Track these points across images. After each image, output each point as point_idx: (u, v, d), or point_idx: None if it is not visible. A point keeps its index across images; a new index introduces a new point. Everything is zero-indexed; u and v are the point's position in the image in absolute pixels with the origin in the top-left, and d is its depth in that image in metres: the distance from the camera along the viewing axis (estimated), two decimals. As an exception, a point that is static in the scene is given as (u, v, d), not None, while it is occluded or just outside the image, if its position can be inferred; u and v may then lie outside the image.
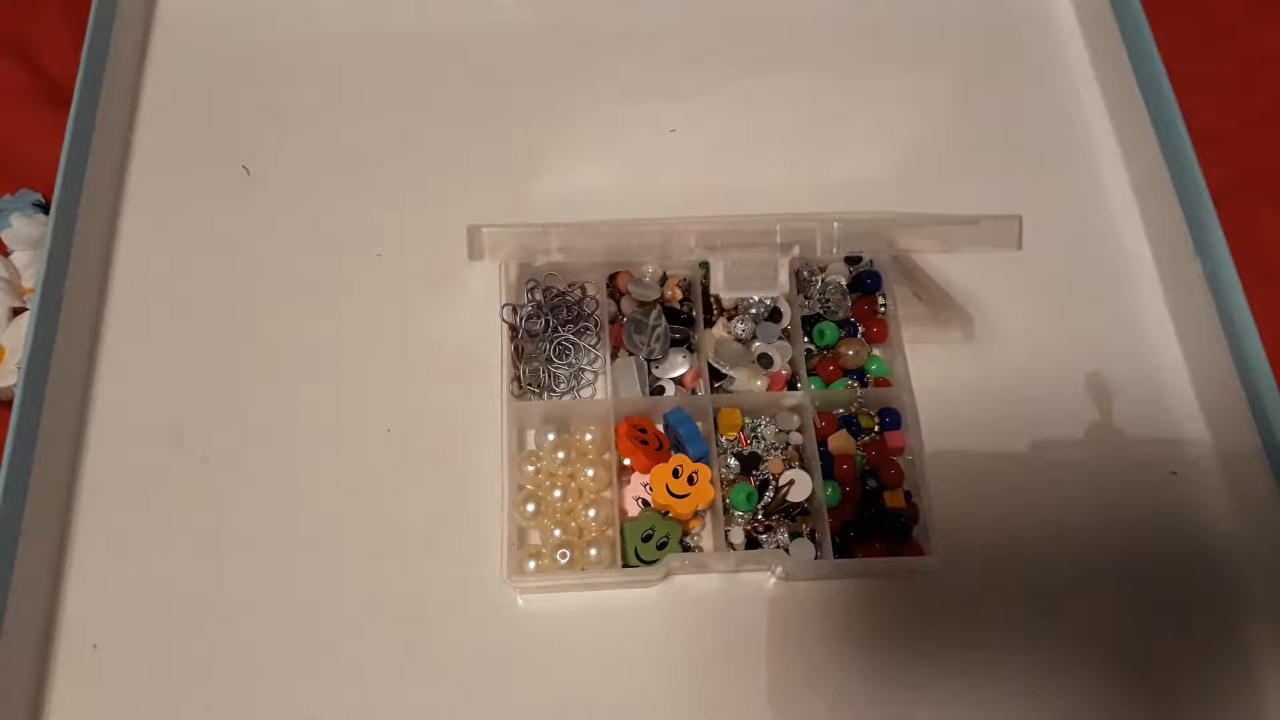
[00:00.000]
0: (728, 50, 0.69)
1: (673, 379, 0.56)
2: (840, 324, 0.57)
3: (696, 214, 0.56)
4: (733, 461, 0.54)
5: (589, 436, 0.54)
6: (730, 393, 0.56)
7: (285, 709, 0.50)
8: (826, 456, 0.54)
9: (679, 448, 0.53)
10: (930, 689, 0.51)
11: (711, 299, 0.58)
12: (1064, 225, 0.63)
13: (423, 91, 0.67)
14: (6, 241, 0.63)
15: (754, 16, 0.71)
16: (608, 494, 0.53)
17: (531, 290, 0.58)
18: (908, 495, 0.54)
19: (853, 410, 0.56)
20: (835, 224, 0.54)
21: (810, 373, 0.57)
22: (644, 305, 0.57)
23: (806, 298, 0.58)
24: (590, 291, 0.58)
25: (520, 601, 0.53)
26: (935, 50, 0.70)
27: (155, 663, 0.51)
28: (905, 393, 0.55)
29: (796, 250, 0.55)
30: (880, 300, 0.58)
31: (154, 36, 0.68)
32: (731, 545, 0.52)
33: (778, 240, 0.55)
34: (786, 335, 0.57)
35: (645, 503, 0.53)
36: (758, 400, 0.55)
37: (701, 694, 0.51)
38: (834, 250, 0.55)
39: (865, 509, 0.53)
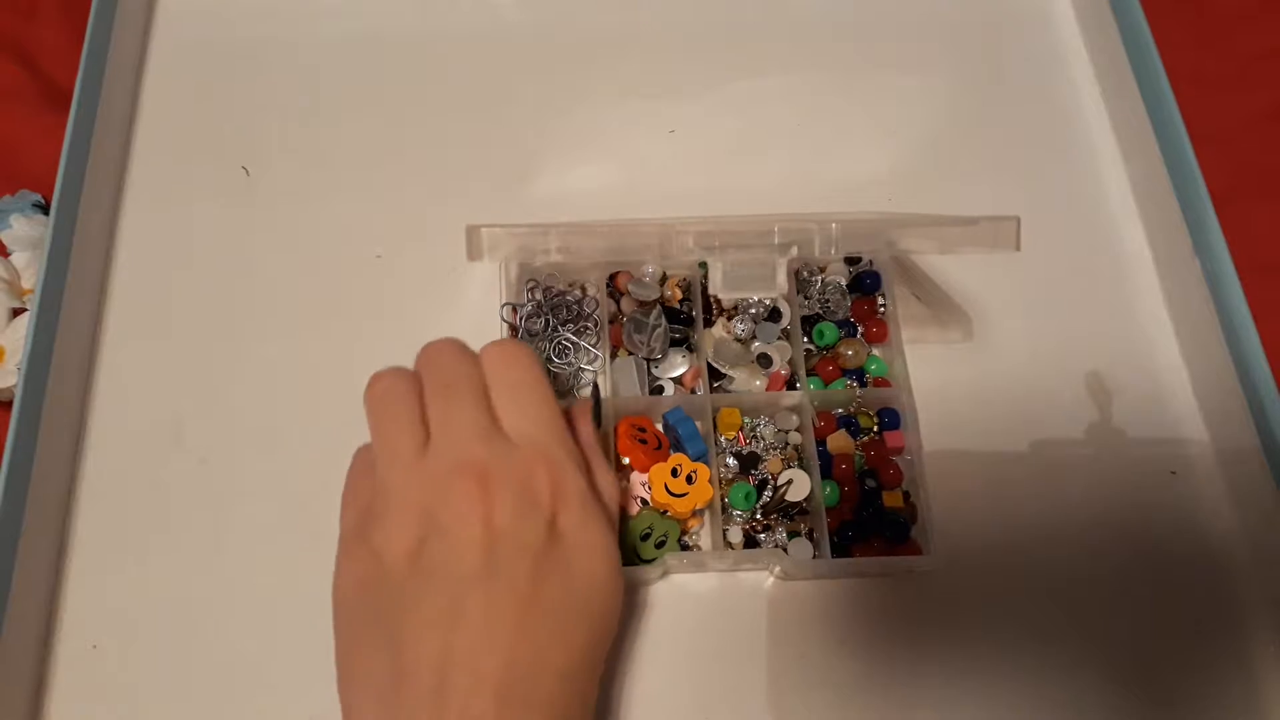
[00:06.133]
0: (727, 50, 0.69)
1: (672, 378, 0.56)
2: (840, 324, 0.57)
3: (696, 214, 0.56)
4: (731, 461, 0.54)
5: (588, 436, 0.54)
6: (729, 392, 0.56)
7: (285, 709, 0.50)
8: (825, 456, 0.54)
9: (678, 447, 0.53)
10: (929, 688, 0.51)
11: (711, 299, 0.58)
12: (1064, 225, 0.63)
13: (422, 91, 0.67)
14: (6, 242, 0.63)
15: (753, 16, 0.71)
16: (607, 493, 0.53)
17: (531, 290, 0.58)
18: (906, 495, 0.54)
19: (852, 410, 0.56)
20: (834, 225, 0.54)
21: (809, 373, 0.57)
22: (644, 305, 0.57)
23: (806, 298, 0.58)
24: (590, 291, 0.58)
25: (519, 601, 0.53)
26: (934, 50, 0.70)
27: (155, 663, 0.51)
28: (904, 393, 0.55)
29: (795, 251, 0.55)
30: (880, 301, 0.58)
31: (154, 36, 0.68)
32: (730, 544, 0.52)
33: (775, 241, 0.55)
34: (786, 335, 0.57)
35: (644, 501, 0.53)
36: (757, 400, 0.55)
37: (699, 692, 0.51)
38: (832, 251, 0.55)
39: (863, 509, 0.53)
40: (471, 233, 0.54)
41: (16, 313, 0.60)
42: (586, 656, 0.41)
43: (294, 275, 0.61)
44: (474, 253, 0.54)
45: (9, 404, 0.53)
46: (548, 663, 0.39)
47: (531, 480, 0.42)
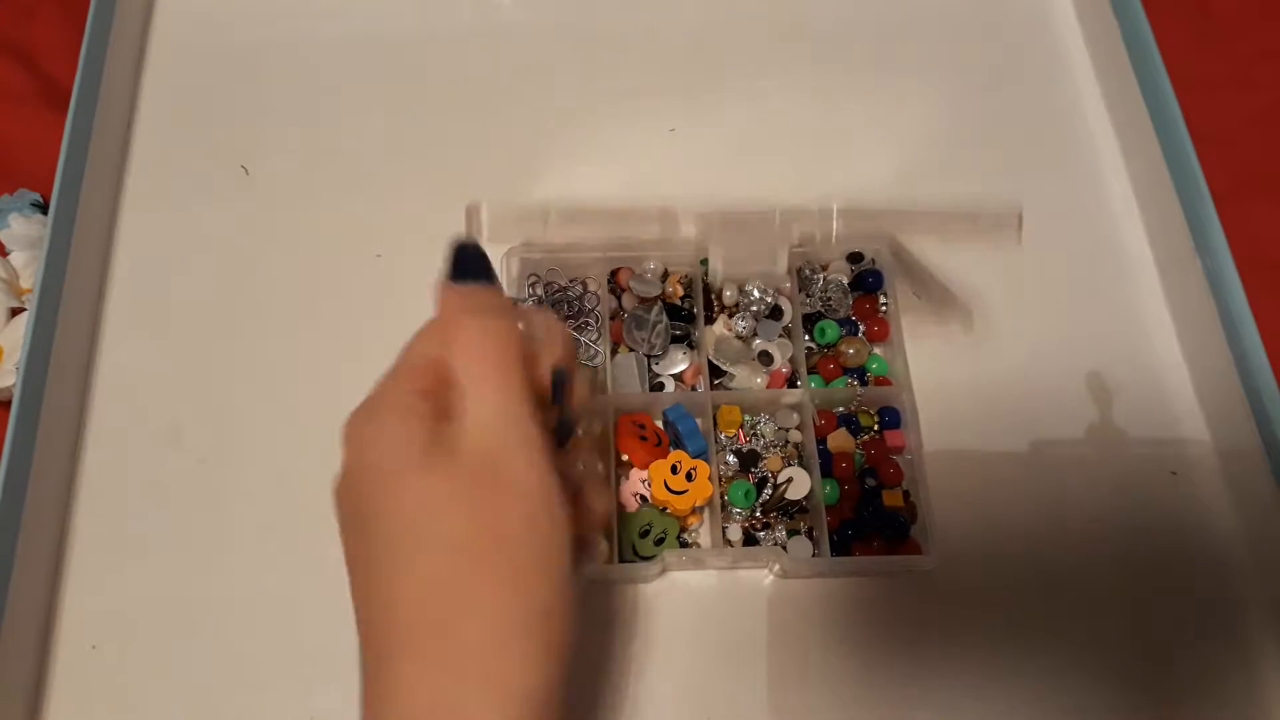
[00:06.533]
0: (727, 50, 0.69)
1: (673, 375, 0.56)
2: (841, 322, 0.57)
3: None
4: (731, 458, 0.54)
5: (588, 433, 0.54)
6: (730, 390, 0.56)
7: (285, 709, 0.50)
8: (825, 454, 0.54)
9: (678, 444, 0.53)
10: (928, 688, 0.51)
11: (712, 296, 0.58)
12: (1064, 225, 0.63)
13: (422, 91, 0.67)
14: (5, 242, 0.63)
15: (754, 16, 0.71)
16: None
17: (533, 285, 0.58)
18: (906, 494, 0.54)
19: (852, 409, 0.56)
20: (834, 206, 0.54)
21: (810, 371, 0.57)
22: (645, 301, 0.57)
23: (808, 296, 0.58)
24: (591, 287, 0.58)
25: (519, 599, 0.53)
26: (935, 50, 0.70)
27: (154, 663, 0.51)
28: (905, 392, 0.55)
29: (795, 234, 0.55)
30: (881, 299, 0.58)
31: (153, 36, 0.69)
32: (729, 542, 0.52)
33: (776, 224, 0.55)
34: (787, 333, 0.57)
35: (643, 498, 0.53)
36: (757, 397, 0.55)
37: (697, 688, 0.51)
38: (833, 238, 0.55)
39: (863, 507, 0.53)
40: (472, 212, 0.54)
41: (15, 312, 0.60)
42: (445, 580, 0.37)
43: (294, 275, 0.61)
44: (473, 232, 0.54)
45: (8, 404, 0.53)
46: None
47: None
